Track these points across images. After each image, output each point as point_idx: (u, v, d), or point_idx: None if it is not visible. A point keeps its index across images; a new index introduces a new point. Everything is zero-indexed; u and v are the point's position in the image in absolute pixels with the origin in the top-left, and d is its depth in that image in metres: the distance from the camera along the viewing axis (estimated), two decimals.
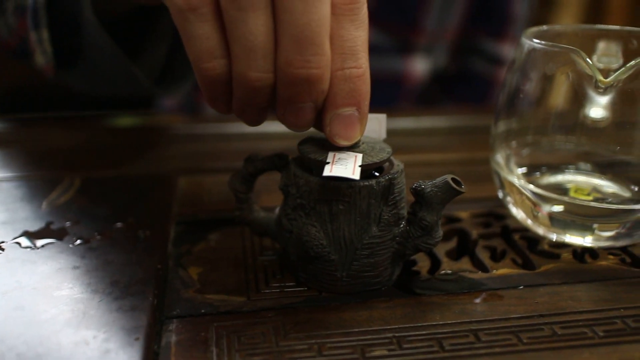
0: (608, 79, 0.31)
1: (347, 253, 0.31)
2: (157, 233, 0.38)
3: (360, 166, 0.30)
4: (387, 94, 0.80)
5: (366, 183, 0.30)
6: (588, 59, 0.32)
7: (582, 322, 0.30)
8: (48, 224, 0.38)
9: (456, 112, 0.63)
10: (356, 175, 0.29)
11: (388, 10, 0.77)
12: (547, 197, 0.36)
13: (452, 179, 0.31)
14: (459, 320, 0.30)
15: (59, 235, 0.37)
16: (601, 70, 0.34)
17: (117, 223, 0.39)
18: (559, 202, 0.35)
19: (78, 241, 0.36)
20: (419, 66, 0.81)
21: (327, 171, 0.29)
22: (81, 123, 0.60)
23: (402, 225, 0.32)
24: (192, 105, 0.81)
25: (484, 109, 0.78)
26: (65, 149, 0.53)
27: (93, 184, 0.45)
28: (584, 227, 0.35)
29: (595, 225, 0.34)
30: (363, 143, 0.33)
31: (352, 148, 0.32)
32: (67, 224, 0.38)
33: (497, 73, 0.86)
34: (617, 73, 0.31)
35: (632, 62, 0.31)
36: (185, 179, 0.46)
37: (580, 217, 0.34)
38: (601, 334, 0.29)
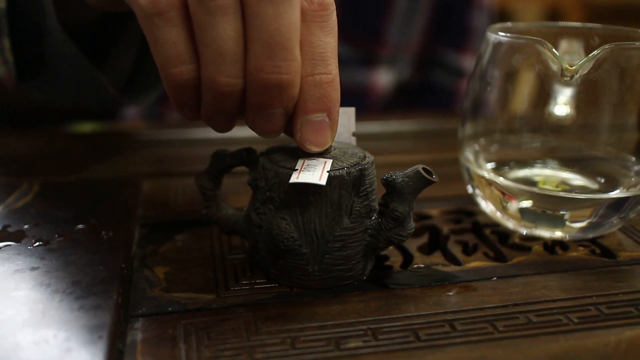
0: (574, 67, 0.32)
1: (318, 246, 0.31)
2: (120, 234, 0.36)
3: (328, 172, 0.29)
4: (352, 106, 0.80)
5: (337, 173, 0.30)
6: (554, 49, 0.32)
7: (556, 309, 0.30)
8: (5, 227, 0.37)
9: (422, 116, 0.64)
10: (322, 182, 0.28)
11: (352, 22, 0.77)
12: (516, 189, 0.36)
13: (423, 168, 0.30)
14: (433, 312, 0.30)
15: (17, 237, 0.35)
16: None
17: (79, 225, 0.37)
18: (528, 195, 0.35)
19: (37, 243, 0.35)
20: (383, 78, 0.82)
21: (294, 178, 0.29)
22: (41, 130, 0.58)
23: (373, 218, 0.31)
24: (155, 113, 0.80)
25: (449, 113, 0.79)
26: (24, 155, 0.51)
27: (53, 188, 0.43)
28: (555, 219, 0.35)
29: (566, 216, 0.34)
30: (335, 149, 0.32)
31: (324, 154, 0.31)
32: (26, 226, 0.37)
33: (460, 85, 0.87)
34: (582, 61, 0.32)
35: (595, 52, 0.32)
36: (150, 183, 0.45)
37: (551, 208, 0.34)
38: (576, 320, 0.29)
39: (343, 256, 0.31)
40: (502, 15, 2.22)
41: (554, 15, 2.27)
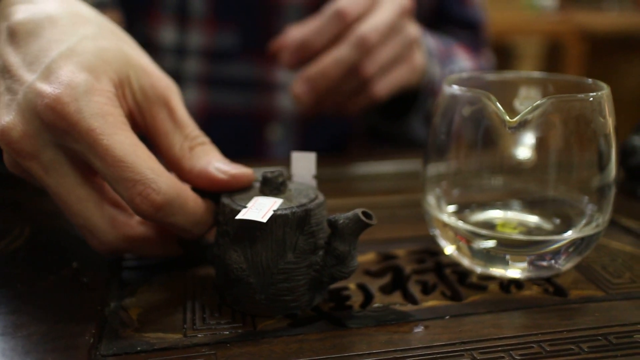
0: (514, 119, 0.34)
1: (264, 277, 0.34)
2: (101, 277, 0.39)
3: (274, 211, 0.33)
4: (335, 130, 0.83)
5: (281, 213, 0.33)
6: (497, 102, 0.35)
7: (501, 347, 0.32)
8: None
9: (396, 157, 0.66)
10: (264, 219, 0.32)
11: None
12: (461, 229, 0.38)
13: (363, 212, 0.33)
14: (384, 350, 0.32)
15: (1, 283, 0.38)
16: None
17: (62, 269, 0.40)
18: (471, 235, 0.38)
19: (21, 287, 0.37)
20: None
21: (241, 214, 0.32)
22: None
23: (320, 254, 0.34)
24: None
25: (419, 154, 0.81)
26: (20, 199, 0.54)
27: (43, 232, 0.46)
28: (498, 259, 0.37)
29: (507, 257, 0.36)
30: (291, 190, 0.36)
31: (278, 194, 0.35)
32: (11, 271, 0.39)
33: None
34: (522, 113, 0.34)
35: (537, 102, 0.34)
36: None
37: (496, 249, 0.36)
38: (517, 357, 0.31)
39: (287, 287, 0.34)
40: (502, 49, 2.26)
41: (554, 48, 2.31)
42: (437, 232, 0.40)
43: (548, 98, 0.34)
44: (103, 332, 0.33)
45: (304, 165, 0.38)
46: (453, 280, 0.39)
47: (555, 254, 0.37)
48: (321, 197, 0.35)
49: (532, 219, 0.42)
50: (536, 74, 0.44)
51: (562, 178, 0.41)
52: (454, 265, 0.41)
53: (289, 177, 0.38)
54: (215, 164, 0.37)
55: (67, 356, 0.30)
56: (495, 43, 1.06)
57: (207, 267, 0.41)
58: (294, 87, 0.58)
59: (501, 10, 2.21)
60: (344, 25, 0.56)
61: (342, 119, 0.81)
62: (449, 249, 0.40)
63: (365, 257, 0.42)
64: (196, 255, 0.38)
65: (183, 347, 0.32)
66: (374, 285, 0.39)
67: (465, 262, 0.39)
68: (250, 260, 0.34)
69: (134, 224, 0.37)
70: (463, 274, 0.40)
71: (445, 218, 0.39)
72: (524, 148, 0.40)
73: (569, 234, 0.38)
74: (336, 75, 0.57)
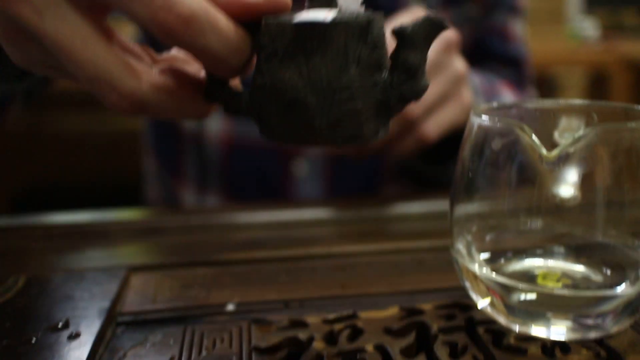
0: (553, 153, 0.29)
1: (324, 96, 0.29)
2: (91, 334, 0.35)
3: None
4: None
5: (342, 18, 0.28)
6: (533, 134, 0.30)
7: None
8: None
9: (428, 198, 0.61)
10: (327, 19, 0.28)
11: None
12: (489, 281, 0.33)
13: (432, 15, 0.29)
14: None
15: None
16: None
17: (49, 324, 0.36)
18: (502, 290, 0.32)
19: (5, 342, 0.34)
20: None
21: (298, 18, 0.28)
22: (35, 226, 0.58)
23: (384, 74, 0.30)
24: (172, 196, 0.80)
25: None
26: (18, 248, 0.51)
27: (38, 283, 0.42)
28: (541, 316, 0.31)
29: (550, 314, 0.31)
30: (341, 7, 0.31)
31: (329, 7, 0.30)
32: None
33: None
34: (562, 145, 0.29)
35: (580, 133, 0.29)
36: (137, 275, 0.44)
37: (536, 304, 0.31)
38: None
39: (352, 110, 0.29)
40: (544, 81, 2.19)
41: (598, 79, 2.23)
42: (467, 284, 0.35)
43: (592, 128, 0.29)
44: None
45: None
46: (487, 340, 0.34)
47: (603, 312, 0.31)
48: (379, 13, 0.30)
49: (578, 269, 0.36)
50: (577, 102, 0.39)
51: (613, 220, 0.35)
52: (489, 322, 0.36)
53: None
54: None
55: None
56: (537, 74, 1.01)
57: (206, 324, 0.37)
58: None
59: (543, 40, 2.16)
60: None
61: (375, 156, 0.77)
62: (481, 303, 0.35)
63: (387, 312, 0.37)
64: (228, 106, 0.33)
65: None
66: (394, 346, 0.34)
67: (501, 319, 0.34)
68: (307, 78, 0.29)
69: (154, 73, 0.32)
70: (499, 333, 0.35)
71: (476, 269, 0.34)
72: (567, 185, 0.35)
73: (623, 289, 0.32)
74: None
